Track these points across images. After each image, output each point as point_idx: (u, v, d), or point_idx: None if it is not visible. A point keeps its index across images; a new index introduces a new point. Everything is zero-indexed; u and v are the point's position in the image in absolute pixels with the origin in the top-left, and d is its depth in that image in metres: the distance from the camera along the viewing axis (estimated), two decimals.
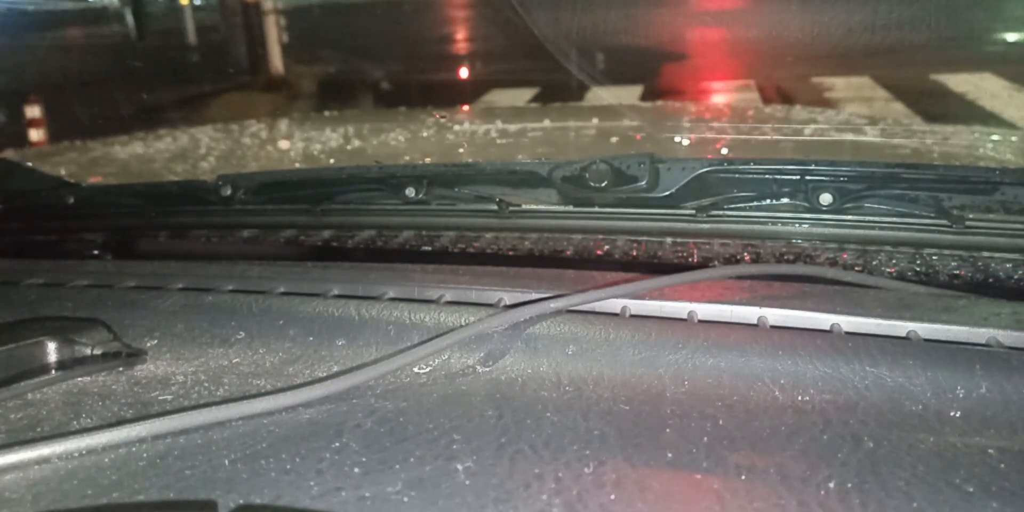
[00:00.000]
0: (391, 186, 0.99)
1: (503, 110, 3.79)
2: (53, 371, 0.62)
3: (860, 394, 0.56)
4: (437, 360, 0.64)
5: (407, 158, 2.12)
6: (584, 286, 0.71)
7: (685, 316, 0.67)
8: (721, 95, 5.01)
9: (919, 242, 0.85)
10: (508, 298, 0.72)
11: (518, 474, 0.47)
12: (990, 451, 0.49)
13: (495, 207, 0.96)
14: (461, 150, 2.18)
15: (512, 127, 2.31)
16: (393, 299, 0.73)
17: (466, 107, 3.90)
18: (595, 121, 2.40)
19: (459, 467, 0.48)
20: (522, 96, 5.04)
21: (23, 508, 0.46)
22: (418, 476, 0.47)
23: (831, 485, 0.46)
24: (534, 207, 0.96)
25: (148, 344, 0.69)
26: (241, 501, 0.46)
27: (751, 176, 0.88)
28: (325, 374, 0.63)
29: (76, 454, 0.51)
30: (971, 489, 0.45)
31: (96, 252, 1.13)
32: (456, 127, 2.47)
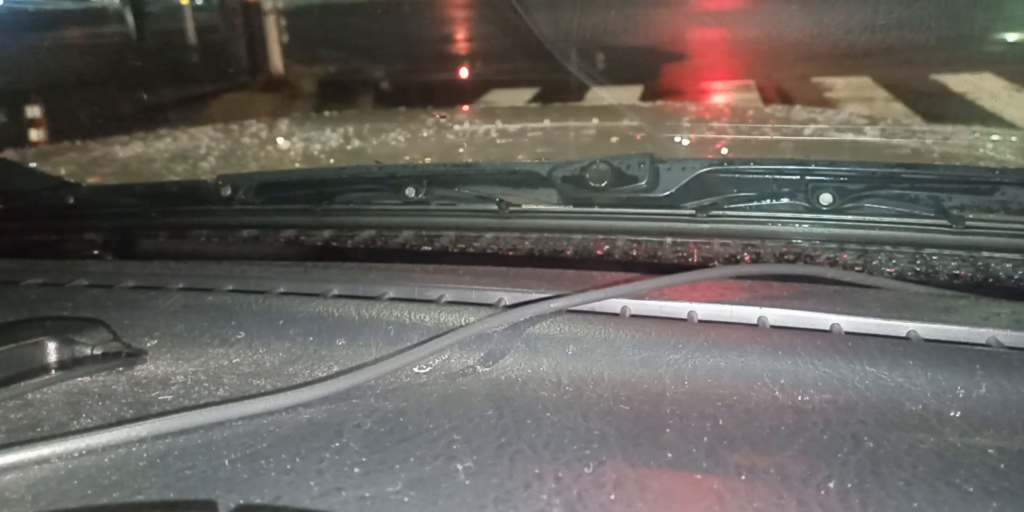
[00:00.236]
0: (391, 186, 0.99)
1: (503, 110, 3.79)
2: (53, 371, 0.62)
3: (860, 394, 0.56)
4: (437, 360, 0.64)
5: (407, 158, 2.12)
6: (584, 286, 0.71)
7: (685, 316, 0.67)
8: (721, 95, 5.01)
9: (919, 242, 0.85)
10: (508, 298, 0.72)
11: (518, 474, 0.47)
12: (990, 451, 0.49)
13: (495, 207, 0.96)
14: (461, 150, 2.17)
15: (512, 127, 2.31)
16: (393, 299, 0.73)
17: (466, 107, 3.90)
18: (595, 121, 2.40)
19: (459, 467, 0.48)
20: (522, 96, 5.04)
21: (23, 508, 0.46)
22: (418, 476, 0.47)
23: (831, 485, 0.46)
24: (534, 207, 0.96)
25: (148, 344, 0.69)
26: (241, 501, 0.46)
27: (751, 176, 0.88)
28: (325, 374, 0.63)
29: (76, 454, 0.51)
30: (971, 489, 0.45)
31: (96, 252, 1.13)
32: (456, 127, 2.47)
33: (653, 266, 0.89)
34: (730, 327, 0.65)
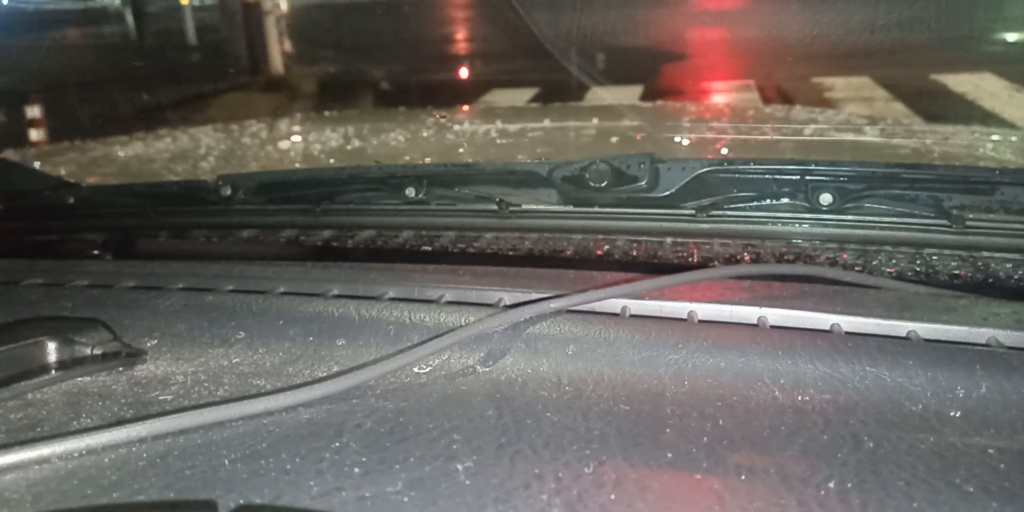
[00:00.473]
0: (391, 186, 0.99)
1: (503, 110, 3.79)
2: (53, 371, 0.62)
3: (860, 394, 0.56)
4: (437, 360, 0.64)
5: (407, 158, 2.12)
6: (584, 286, 0.71)
7: (685, 316, 0.67)
8: (721, 95, 5.01)
9: (919, 242, 0.85)
10: (508, 298, 0.72)
11: (518, 474, 0.47)
12: (990, 451, 0.49)
13: (495, 207, 0.96)
14: (461, 150, 2.17)
15: (512, 127, 2.31)
16: (393, 299, 0.73)
17: (466, 107, 3.90)
18: (595, 121, 2.40)
19: (459, 467, 0.48)
20: (522, 96, 5.04)
21: (23, 508, 0.46)
22: (418, 476, 0.47)
23: (831, 485, 0.46)
24: (534, 207, 0.96)
25: (148, 344, 0.69)
26: (241, 501, 0.46)
27: (751, 176, 0.88)
28: (325, 374, 0.63)
29: (76, 454, 0.51)
30: (971, 489, 0.45)
31: (96, 252, 1.13)
32: (456, 127, 2.47)
33: (653, 266, 0.89)
34: (730, 327, 0.65)
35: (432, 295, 0.73)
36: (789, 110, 2.73)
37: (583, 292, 0.69)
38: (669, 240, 0.93)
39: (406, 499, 0.45)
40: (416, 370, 0.63)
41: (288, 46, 6.91)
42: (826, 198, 0.85)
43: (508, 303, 0.71)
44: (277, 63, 6.88)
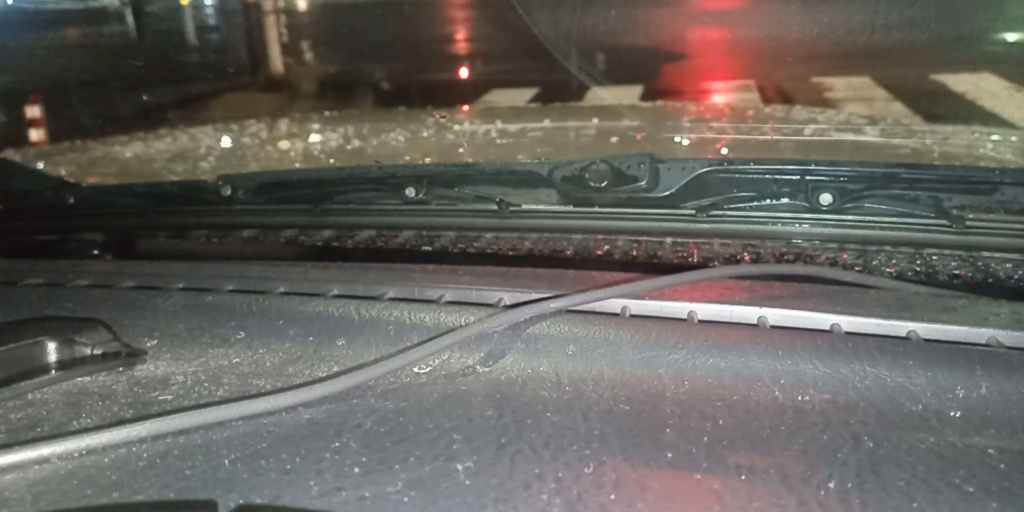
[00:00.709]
0: (391, 186, 0.99)
1: (503, 110, 3.79)
2: (53, 371, 0.62)
3: (860, 394, 0.56)
4: (437, 360, 0.64)
5: (407, 158, 2.12)
6: (584, 286, 0.71)
7: (685, 316, 0.67)
8: (721, 95, 5.01)
9: (919, 242, 0.85)
10: (508, 298, 0.72)
11: (518, 474, 0.47)
12: (990, 451, 0.49)
13: (495, 207, 0.96)
14: (461, 150, 2.17)
15: (512, 127, 2.30)
16: (393, 299, 0.73)
17: (466, 107, 3.90)
18: (595, 121, 2.40)
19: (459, 467, 0.48)
20: (522, 96, 5.04)
21: (23, 508, 0.46)
22: (418, 476, 0.47)
23: (831, 485, 0.46)
24: (534, 207, 0.96)
25: (148, 344, 0.69)
26: (241, 501, 0.46)
27: (751, 176, 0.88)
28: (325, 374, 0.63)
29: (76, 454, 0.51)
30: (971, 489, 0.45)
31: (96, 252, 1.13)
32: (456, 127, 2.46)
33: (653, 266, 0.89)
34: (730, 327, 0.65)
35: (432, 295, 0.73)
36: (789, 110, 2.72)
37: (583, 292, 0.69)
38: (669, 240, 0.93)
39: (406, 499, 0.45)
40: (416, 370, 0.63)
41: (288, 46, 6.91)
42: (826, 198, 0.85)
43: (508, 303, 0.71)
44: (277, 63, 6.89)
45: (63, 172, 2.04)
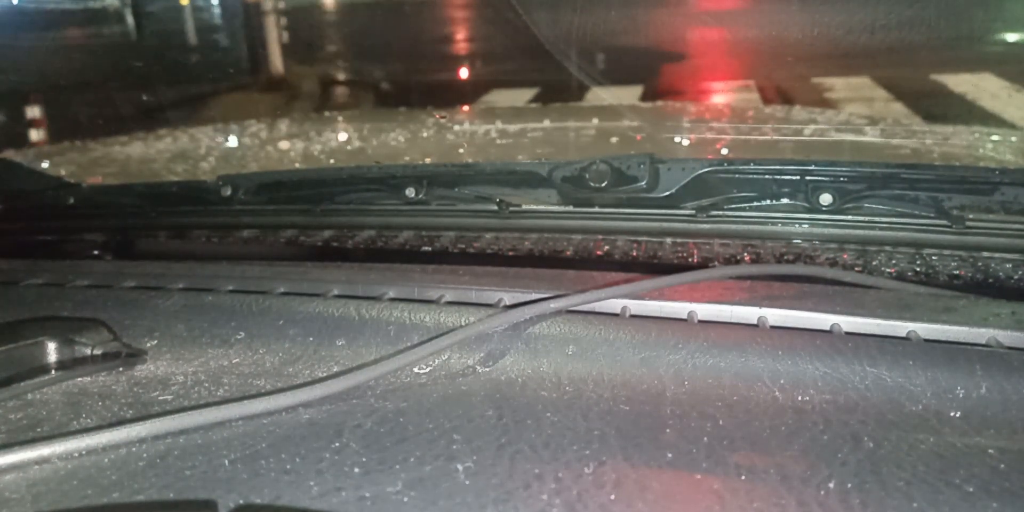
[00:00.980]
0: (391, 186, 0.99)
1: (503, 110, 3.79)
2: (53, 371, 0.62)
3: (860, 394, 0.56)
4: (437, 360, 0.64)
5: (407, 158, 2.11)
6: (584, 286, 0.71)
7: (685, 316, 0.67)
8: (721, 95, 5.01)
9: (919, 242, 0.85)
10: (508, 298, 0.72)
11: (518, 474, 0.47)
12: (990, 451, 0.49)
13: (495, 207, 0.96)
14: (461, 150, 2.17)
15: (512, 127, 2.30)
16: (393, 299, 0.73)
17: (466, 107, 3.90)
18: (595, 121, 2.40)
19: (459, 467, 0.48)
20: (522, 96, 5.04)
21: (23, 508, 0.46)
22: (418, 476, 0.47)
23: (831, 485, 0.46)
24: (534, 207, 0.96)
25: (148, 344, 0.69)
26: (241, 501, 0.46)
27: (751, 176, 0.88)
28: (325, 374, 0.63)
29: (76, 454, 0.51)
30: (971, 489, 0.45)
31: (96, 252, 1.13)
32: (456, 127, 2.46)
33: (653, 266, 0.89)
34: (730, 327, 0.65)
35: (432, 295, 0.73)
36: (789, 110, 2.72)
37: (583, 292, 0.69)
38: (669, 240, 0.93)
39: (406, 499, 0.45)
40: (416, 370, 0.63)
41: (288, 46, 6.91)
42: (826, 198, 0.85)
43: (508, 303, 0.71)
44: (277, 63, 6.88)
45: (63, 172, 2.04)
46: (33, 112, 3.49)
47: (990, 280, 0.81)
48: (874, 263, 0.85)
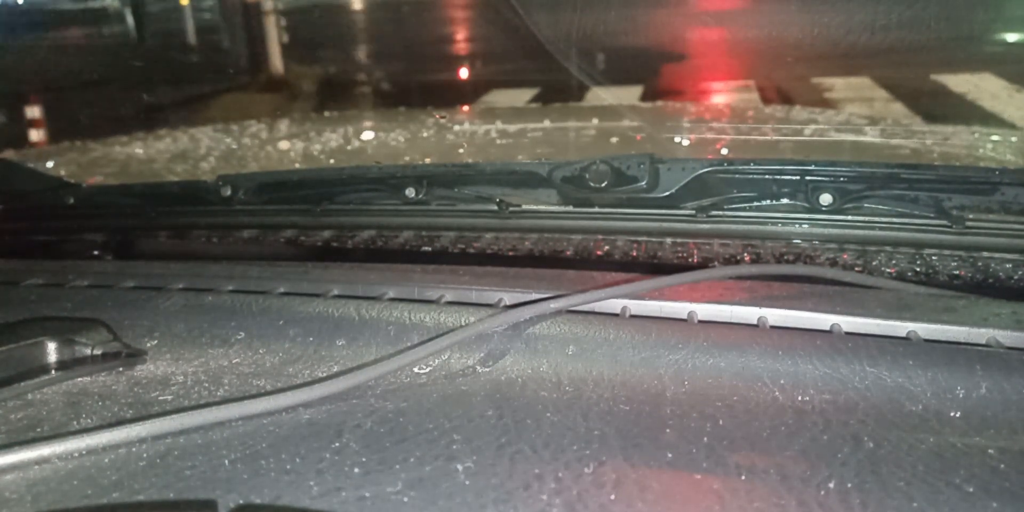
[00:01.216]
0: (391, 186, 0.99)
1: (503, 110, 3.79)
2: (53, 371, 0.62)
3: (860, 394, 0.56)
4: (437, 360, 0.64)
5: (407, 158, 2.12)
6: (584, 286, 0.71)
7: (685, 316, 0.67)
8: (721, 95, 5.01)
9: (919, 242, 0.85)
10: (508, 298, 0.72)
11: (518, 474, 0.47)
12: (990, 451, 0.49)
13: (495, 207, 0.96)
14: (461, 150, 2.17)
15: (512, 127, 2.30)
16: (393, 299, 0.73)
17: (466, 107, 3.90)
18: (595, 121, 2.40)
19: (459, 467, 0.48)
20: (522, 96, 5.03)
21: (23, 508, 0.46)
22: (418, 476, 0.47)
23: (831, 485, 0.46)
24: (534, 207, 0.96)
25: (148, 344, 0.69)
26: (241, 501, 0.46)
27: (751, 176, 0.88)
28: (325, 374, 0.63)
29: (76, 454, 0.51)
30: (971, 489, 0.45)
31: (96, 252, 1.13)
32: (456, 127, 2.46)
33: (653, 266, 0.89)
34: (730, 327, 0.65)
35: (432, 295, 0.73)
36: (789, 110, 2.73)
37: (583, 292, 0.69)
38: (669, 240, 0.93)
39: (406, 499, 0.45)
40: (416, 370, 0.63)
41: (288, 46, 6.91)
42: (826, 198, 0.85)
43: (508, 303, 0.71)
44: (277, 63, 6.88)
45: (63, 172, 2.04)
46: (33, 112, 3.49)
47: (990, 280, 0.81)
48: (874, 263, 0.85)
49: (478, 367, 0.63)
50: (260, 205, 1.05)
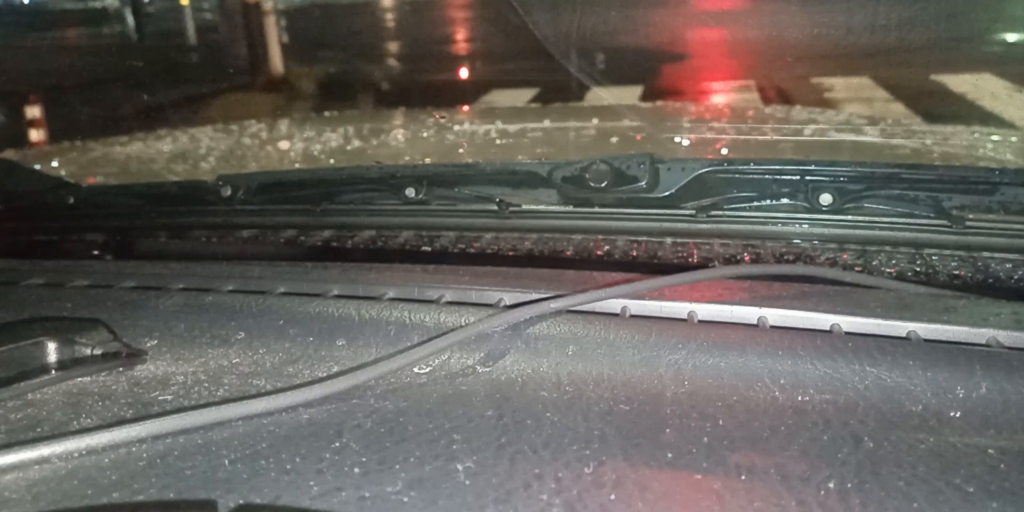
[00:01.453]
0: (391, 186, 0.99)
1: (503, 110, 3.79)
2: (53, 371, 0.62)
3: (860, 394, 0.56)
4: (437, 360, 0.64)
5: (407, 158, 2.12)
6: (584, 286, 0.71)
7: (685, 316, 0.67)
8: (721, 95, 5.01)
9: (919, 242, 0.85)
10: (508, 298, 0.72)
11: (518, 474, 0.47)
12: (990, 451, 0.49)
13: (495, 207, 0.96)
14: (461, 150, 2.17)
15: (512, 127, 2.30)
16: (393, 299, 0.73)
17: (466, 107, 3.90)
18: (595, 121, 2.40)
19: (459, 467, 0.48)
20: (522, 96, 5.03)
21: (23, 508, 0.46)
22: (418, 476, 0.47)
23: (831, 485, 0.46)
24: (534, 207, 0.96)
25: (148, 344, 0.69)
26: (241, 501, 0.46)
27: (751, 176, 0.88)
28: (325, 374, 0.63)
29: (76, 454, 0.51)
30: (971, 489, 0.45)
31: (96, 252, 1.13)
32: (456, 127, 2.46)
33: (653, 266, 0.89)
34: (730, 327, 0.65)
35: (432, 295, 0.73)
36: (789, 110, 2.73)
37: (583, 292, 0.69)
38: (669, 240, 0.93)
39: (406, 499, 0.45)
40: (416, 370, 0.63)
41: (288, 46, 6.91)
42: (826, 198, 0.85)
43: (508, 303, 0.71)
44: (277, 63, 6.88)
45: (63, 172, 2.04)
46: (33, 112, 3.49)
47: (990, 280, 0.81)
48: (874, 263, 0.85)
49: (478, 367, 0.63)
50: (260, 205, 1.05)
